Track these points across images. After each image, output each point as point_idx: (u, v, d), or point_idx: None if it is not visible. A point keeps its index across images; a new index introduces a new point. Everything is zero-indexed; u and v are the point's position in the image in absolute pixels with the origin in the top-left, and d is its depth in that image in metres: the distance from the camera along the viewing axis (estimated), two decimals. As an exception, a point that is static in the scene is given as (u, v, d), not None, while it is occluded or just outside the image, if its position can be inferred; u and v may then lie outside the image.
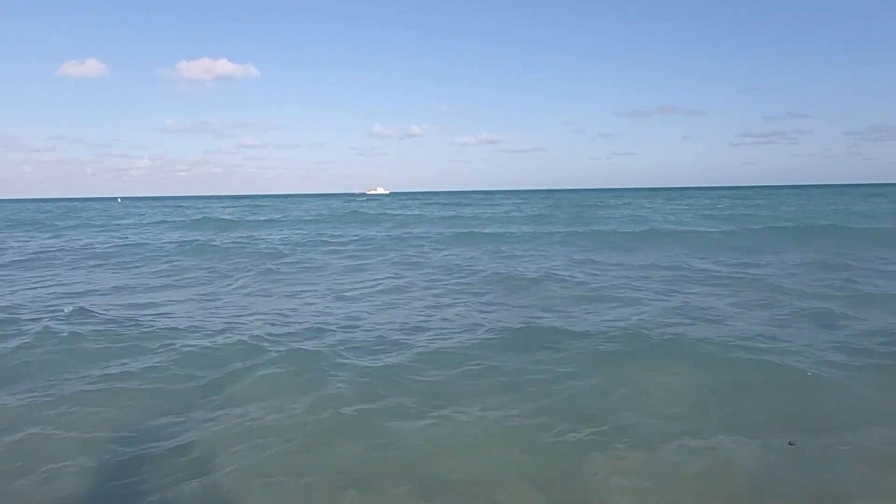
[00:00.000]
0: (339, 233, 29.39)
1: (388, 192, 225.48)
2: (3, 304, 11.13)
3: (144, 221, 42.11)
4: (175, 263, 17.73)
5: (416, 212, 51.34)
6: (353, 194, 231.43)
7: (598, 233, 25.69)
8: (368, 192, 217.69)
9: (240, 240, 25.33)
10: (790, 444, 5.09)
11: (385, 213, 47.52)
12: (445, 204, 74.69)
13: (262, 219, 43.71)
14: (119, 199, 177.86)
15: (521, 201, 80.00)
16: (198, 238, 26.23)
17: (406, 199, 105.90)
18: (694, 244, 20.66)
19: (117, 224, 39.66)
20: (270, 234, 29.22)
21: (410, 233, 28.80)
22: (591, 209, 50.48)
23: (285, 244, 23.36)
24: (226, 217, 45.33)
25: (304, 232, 30.69)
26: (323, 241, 24.90)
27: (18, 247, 23.51)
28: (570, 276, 13.78)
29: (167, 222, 40.11)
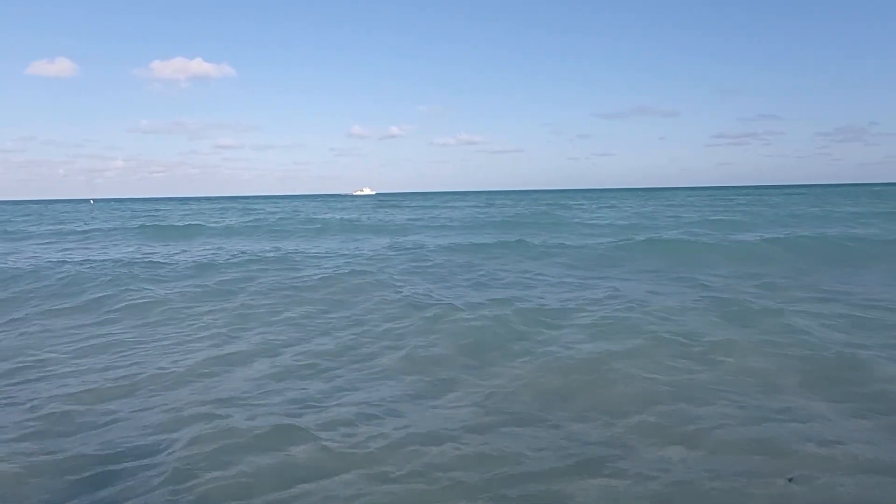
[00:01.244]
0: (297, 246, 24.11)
1: (374, 192, 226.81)
2: None
3: (79, 229, 38.16)
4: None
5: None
6: (338, 195, 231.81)
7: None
8: (355, 193, 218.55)
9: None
10: (789, 480, 4.73)
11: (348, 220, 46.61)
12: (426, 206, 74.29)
13: (221, 225, 41.05)
14: (91, 201, 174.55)
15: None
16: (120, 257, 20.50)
17: (389, 200, 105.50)
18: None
19: (47, 231, 36.68)
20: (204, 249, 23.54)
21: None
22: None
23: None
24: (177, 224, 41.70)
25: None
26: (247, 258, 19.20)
27: None
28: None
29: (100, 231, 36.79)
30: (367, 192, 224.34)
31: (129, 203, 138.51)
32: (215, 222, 43.28)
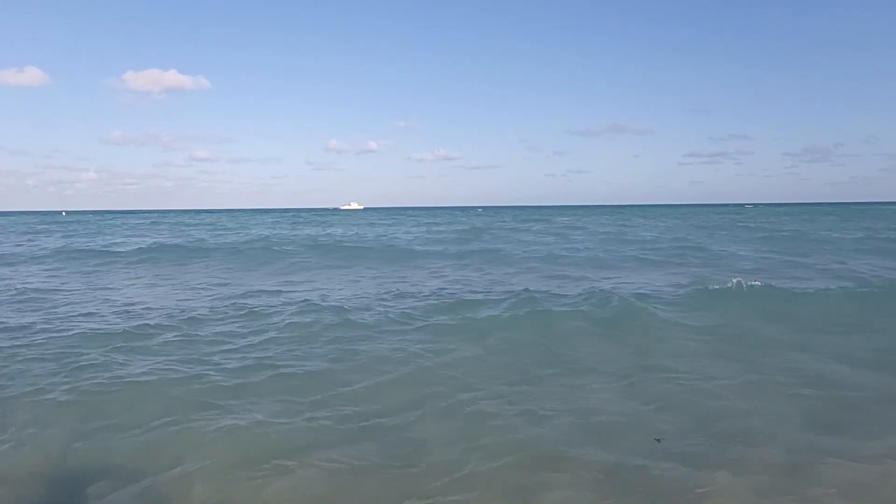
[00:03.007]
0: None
1: (362, 207, 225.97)
2: None
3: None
4: None
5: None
6: (326, 209, 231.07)
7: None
8: (342, 207, 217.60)
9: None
10: (658, 441, 5.11)
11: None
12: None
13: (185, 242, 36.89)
14: (63, 213, 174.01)
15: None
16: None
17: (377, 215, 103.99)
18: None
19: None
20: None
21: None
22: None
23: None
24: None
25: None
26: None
27: None
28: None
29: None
30: (354, 206, 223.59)
31: (101, 216, 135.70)
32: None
